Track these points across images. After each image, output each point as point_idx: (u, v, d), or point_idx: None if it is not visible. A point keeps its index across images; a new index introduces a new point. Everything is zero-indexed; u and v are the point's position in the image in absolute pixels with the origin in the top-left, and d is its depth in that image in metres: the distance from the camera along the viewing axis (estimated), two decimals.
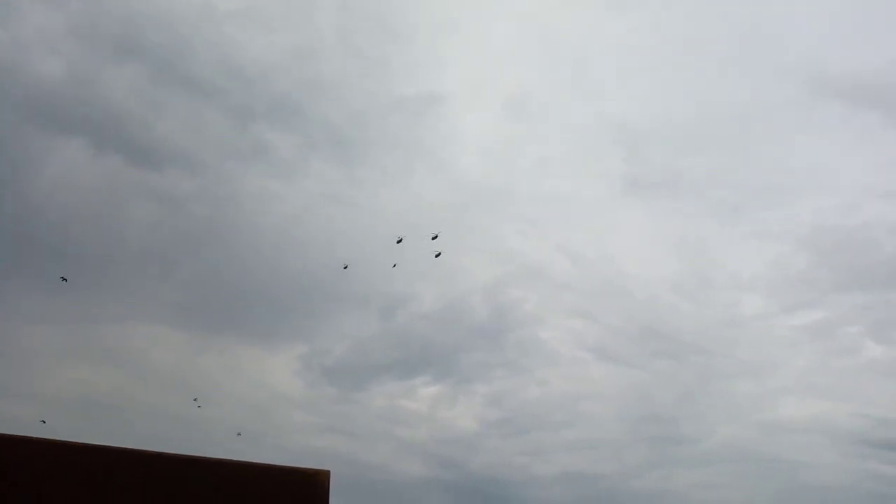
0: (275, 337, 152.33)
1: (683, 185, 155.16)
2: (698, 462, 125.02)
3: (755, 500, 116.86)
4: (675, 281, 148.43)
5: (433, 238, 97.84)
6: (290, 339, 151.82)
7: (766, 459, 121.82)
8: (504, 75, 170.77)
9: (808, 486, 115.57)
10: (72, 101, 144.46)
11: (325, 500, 7.75)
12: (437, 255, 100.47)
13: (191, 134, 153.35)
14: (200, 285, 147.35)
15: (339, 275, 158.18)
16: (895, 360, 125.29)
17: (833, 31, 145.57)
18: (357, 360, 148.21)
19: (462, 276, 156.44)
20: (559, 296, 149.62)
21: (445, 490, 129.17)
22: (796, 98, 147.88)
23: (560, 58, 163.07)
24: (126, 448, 8.51)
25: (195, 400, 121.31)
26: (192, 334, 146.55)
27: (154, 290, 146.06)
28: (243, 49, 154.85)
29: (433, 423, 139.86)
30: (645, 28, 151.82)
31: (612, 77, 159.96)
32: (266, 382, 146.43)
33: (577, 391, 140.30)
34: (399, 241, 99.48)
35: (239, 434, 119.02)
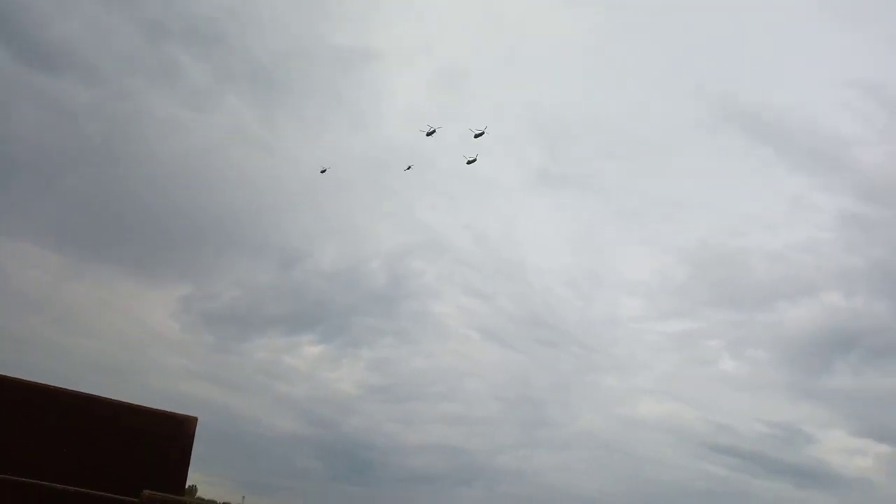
0: (157, 272, 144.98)
1: (593, 184, 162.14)
2: (559, 446, 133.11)
3: (603, 487, 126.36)
4: (569, 274, 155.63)
5: (477, 136, 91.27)
6: (173, 278, 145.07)
7: (619, 450, 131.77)
8: (441, 44, 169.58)
9: (650, 478, 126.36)
10: None
11: (188, 446, 7.83)
12: (470, 162, 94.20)
13: (94, 41, 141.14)
14: (82, 205, 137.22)
15: (239, 217, 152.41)
16: (745, 375, 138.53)
17: (749, 66, 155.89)
18: (243, 309, 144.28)
19: (366, 239, 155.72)
20: (458, 273, 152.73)
21: (314, 448, 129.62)
22: (707, 121, 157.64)
23: (499, 38, 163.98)
24: None
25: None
26: (66, 257, 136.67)
27: (28, 203, 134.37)
28: None
29: (313, 382, 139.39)
30: (585, 27, 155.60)
31: (545, 67, 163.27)
32: (140, 319, 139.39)
33: (460, 367, 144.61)
34: (430, 133, 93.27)
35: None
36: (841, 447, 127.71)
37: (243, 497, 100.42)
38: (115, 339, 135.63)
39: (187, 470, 8.57)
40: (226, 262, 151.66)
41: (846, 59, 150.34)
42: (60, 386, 8.15)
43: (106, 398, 7.35)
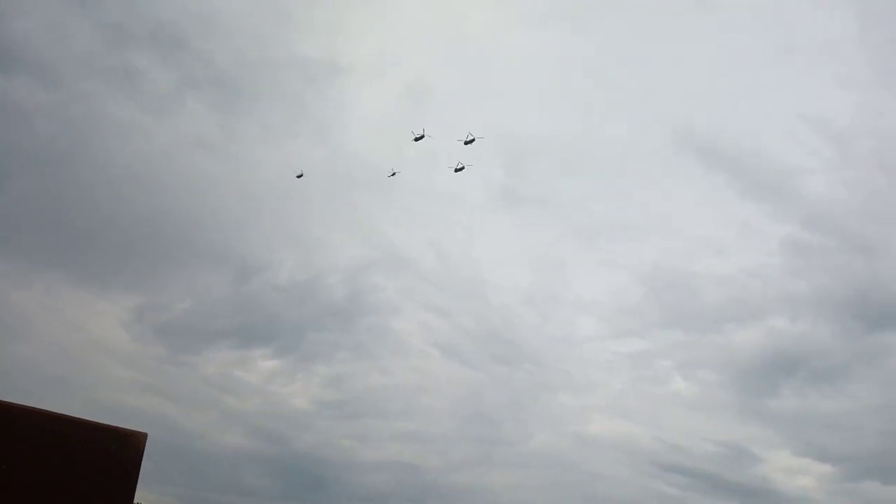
0: (107, 281, 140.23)
1: (554, 204, 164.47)
2: (513, 464, 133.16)
3: None
4: (528, 293, 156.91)
5: (467, 143, 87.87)
6: (124, 287, 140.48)
7: (572, 468, 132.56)
8: (409, 61, 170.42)
9: (603, 496, 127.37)
10: None
11: (138, 462, 7.60)
12: (458, 170, 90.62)
13: (53, 42, 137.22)
14: (32, 209, 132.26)
15: (196, 226, 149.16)
16: (695, 395, 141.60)
17: (706, 96, 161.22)
18: (197, 321, 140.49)
19: (326, 252, 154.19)
20: (419, 289, 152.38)
21: (265, 464, 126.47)
22: (664, 146, 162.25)
23: (467, 57, 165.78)
24: None
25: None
26: (12, 264, 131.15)
27: None
28: None
29: (265, 397, 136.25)
30: (550, 50, 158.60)
31: (510, 87, 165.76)
32: (89, 329, 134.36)
33: (417, 384, 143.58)
34: (419, 139, 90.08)
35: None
36: (784, 467, 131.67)
37: None
38: (62, 349, 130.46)
39: (135, 488, 8.31)
40: (180, 271, 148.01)
41: (797, 95, 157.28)
42: (1, 398, 7.82)
43: (51, 412, 7.08)
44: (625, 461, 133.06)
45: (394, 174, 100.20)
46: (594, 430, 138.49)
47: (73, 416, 7.57)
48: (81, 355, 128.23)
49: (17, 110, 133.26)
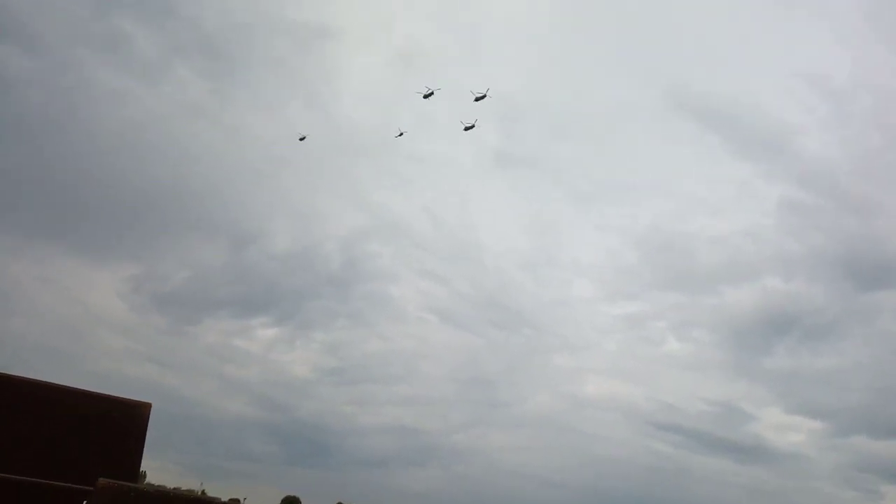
0: (103, 252, 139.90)
1: (548, 167, 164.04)
2: (510, 425, 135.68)
3: (551, 465, 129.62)
4: (524, 257, 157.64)
5: (478, 99, 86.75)
6: (120, 258, 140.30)
7: (567, 429, 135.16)
8: (400, 24, 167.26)
9: (597, 455, 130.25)
10: None
11: (143, 431, 7.72)
12: (468, 128, 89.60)
13: (37, 8, 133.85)
14: (21, 181, 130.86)
15: (191, 195, 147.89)
16: (689, 355, 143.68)
17: (700, 55, 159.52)
18: (195, 290, 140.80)
19: (321, 221, 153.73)
20: (415, 255, 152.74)
21: (267, 432, 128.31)
22: (659, 107, 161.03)
23: (458, 19, 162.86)
24: None
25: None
26: (4, 235, 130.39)
27: None
28: None
29: (265, 365, 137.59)
30: (541, 11, 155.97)
31: (502, 50, 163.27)
32: (85, 300, 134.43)
33: (415, 350, 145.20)
34: (428, 95, 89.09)
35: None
36: (776, 424, 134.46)
37: (201, 483, 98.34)
38: (58, 320, 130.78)
39: (141, 456, 8.43)
40: (176, 241, 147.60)
41: (793, 52, 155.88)
42: (2, 371, 7.86)
43: (60, 385, 7.14)
44: (620, 421, 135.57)
45: (401, 134, 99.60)
46: (590, 391, 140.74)
47: (75, 386, 7.63)
48: (78, 326, 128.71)
49: (2, 77, 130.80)
